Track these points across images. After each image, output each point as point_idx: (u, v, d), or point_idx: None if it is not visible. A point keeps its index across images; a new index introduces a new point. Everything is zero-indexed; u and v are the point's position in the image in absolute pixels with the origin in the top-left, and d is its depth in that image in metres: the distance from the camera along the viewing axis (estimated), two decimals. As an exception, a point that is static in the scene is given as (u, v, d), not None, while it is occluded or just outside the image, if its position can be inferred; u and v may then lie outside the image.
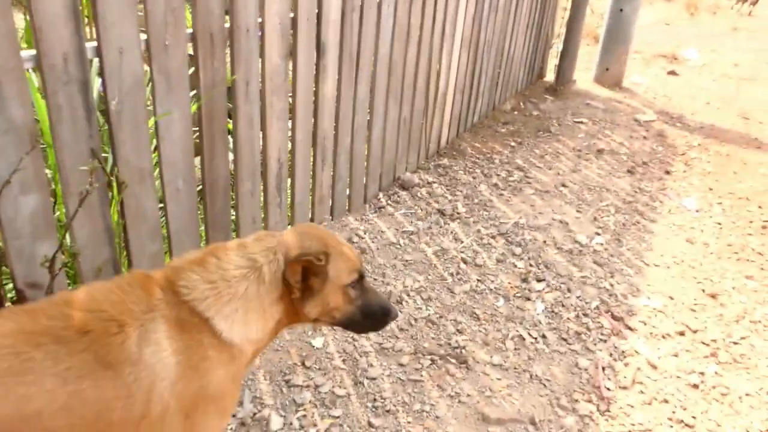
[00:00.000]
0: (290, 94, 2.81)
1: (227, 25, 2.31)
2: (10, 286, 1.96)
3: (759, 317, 2.96)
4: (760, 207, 4.17)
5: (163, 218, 2.31)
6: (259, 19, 2.44)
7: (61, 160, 1.84)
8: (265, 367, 2.31)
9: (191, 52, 2.18)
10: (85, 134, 1.87)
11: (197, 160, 2.41)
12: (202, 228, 2.59)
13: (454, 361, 2.44)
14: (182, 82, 2.15)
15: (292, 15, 2.62)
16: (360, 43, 3.12)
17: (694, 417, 2.32)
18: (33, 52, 1.70)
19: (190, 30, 2.15)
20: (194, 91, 2.29)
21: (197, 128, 2.34)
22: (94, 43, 1.85)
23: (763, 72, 7.65)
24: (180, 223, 2.34)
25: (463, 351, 2.49)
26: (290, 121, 2.87)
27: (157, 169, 2.22)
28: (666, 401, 2.38)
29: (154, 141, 2.19)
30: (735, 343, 2.76)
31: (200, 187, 2.47)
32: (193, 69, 2.24)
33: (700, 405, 2.39)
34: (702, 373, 2.55)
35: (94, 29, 1.87)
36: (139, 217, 2.14)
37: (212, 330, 1.26)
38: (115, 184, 2.01)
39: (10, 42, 1.62)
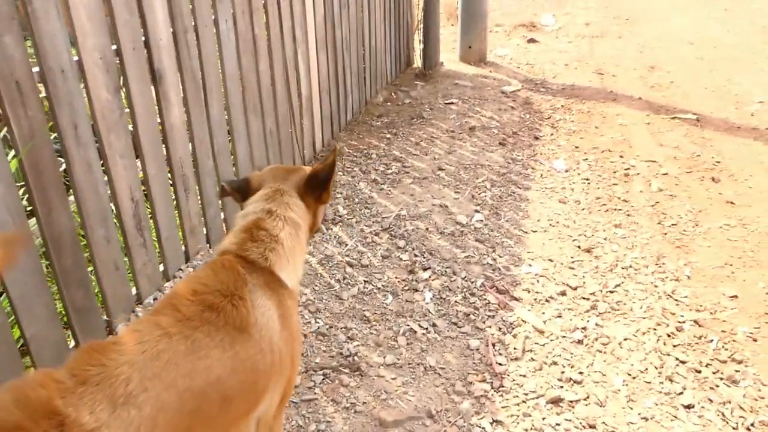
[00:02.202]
0: (132, 128, 2.65)
1: (36, 69, 2.12)
2: None
3: (629, 262, 3.15)
4: (621, 156, 4.45)
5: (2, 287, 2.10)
6: (76, 57, 2.27)
7: None
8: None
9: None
10: None
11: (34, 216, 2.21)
12: (55, 287, 2.39)
13: (347, 370, 2.41)
14: (-9, 138, 1.95)
15: (114, 46, 2.45)
16: (202, 64, 2.99)
17: (581, 372, 2.42)
18: None
19: (-10, 81, 1.95)
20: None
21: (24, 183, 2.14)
22: None
23: (610, 28, 8.18)
24: (24, 288, 2.13)
25: (356, 358, 2.47)
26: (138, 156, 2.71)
27: (-18, 238, 2.01)
28: (555, 363, 2.47)
29: (-28, 208, 1.98)
30: (611, 292, 2.92)
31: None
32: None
33: (585, 359, 2.50)
34: (584, 328, 2.67)
35: None
36: (-31, 295, 1.93)
37: (284, 284, 1.58)
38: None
39: None
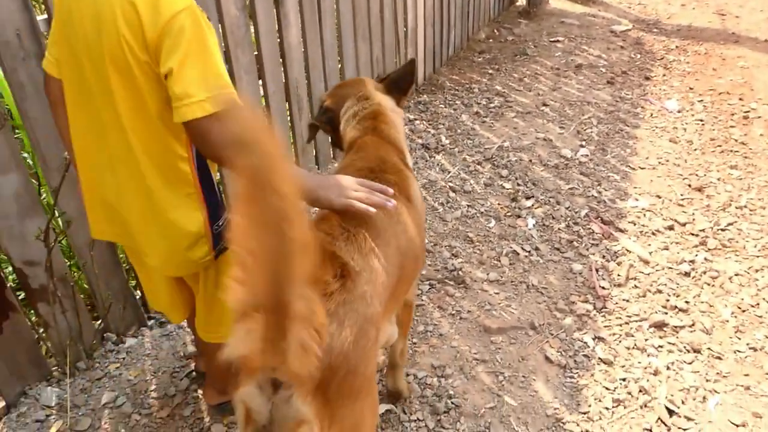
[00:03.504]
0: (255, 47, 2.80)
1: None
2: (10, 269, 2.02)
3: (744, 203, 3.02)
4: (740, 99, 4.18)
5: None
6: (211, -28, 2.41)
7: (34, 137, 1.86)
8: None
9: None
10: (54, 107, 1.88)
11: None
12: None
13: (452, 282, 2.51)
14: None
15: (244, -36, 2.58)
16: (319, -14, 3.08)
17: (687, 302, 2.40)
18: (-15, 31, 1.70)
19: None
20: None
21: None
22: (45, 16, 1.85)
23: (737, -35, 7.49)
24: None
25: (460, 272, 2.56)
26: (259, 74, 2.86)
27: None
28: (659, 291, 2.46)
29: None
30: (723, 230, 2.83)
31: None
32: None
33: (692, 290, 2.47)
34: (692, 261, 2.62)
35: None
36: (124, 184, 2.17)
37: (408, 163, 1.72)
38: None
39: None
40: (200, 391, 2.02)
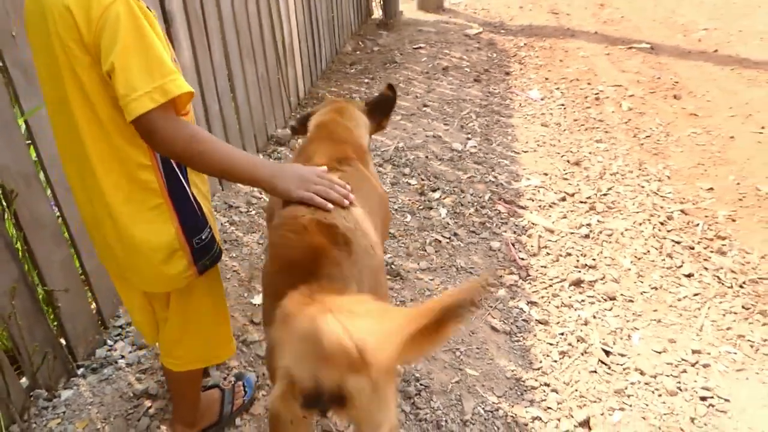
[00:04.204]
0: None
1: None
2: None
3: (616, 169, 3.46)
4: (589, 83, 4.75)
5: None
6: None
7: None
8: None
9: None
10: (-45, 147, 1.70)
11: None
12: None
13: (388, 276, 2.60)
14: (40, 73, 1.99)
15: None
16: (203, 6, 3.04)
17: (593, 259, 2.71)
18: None
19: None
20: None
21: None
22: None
23: (556, -29, 8.46)
24: (80, 224, 2.20)
25: (393, 266, 2.66)
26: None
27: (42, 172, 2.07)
28: (569, 254, 2.75)
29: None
30: (605, 195, 3.22)
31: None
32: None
33: (595, 249, 2.78)
34: (589, 225, 2.95)
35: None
36: (37, 225, 2.00)
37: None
38: (1, 196, 1.86)
39: None
40: (164, 427, 1.91)
